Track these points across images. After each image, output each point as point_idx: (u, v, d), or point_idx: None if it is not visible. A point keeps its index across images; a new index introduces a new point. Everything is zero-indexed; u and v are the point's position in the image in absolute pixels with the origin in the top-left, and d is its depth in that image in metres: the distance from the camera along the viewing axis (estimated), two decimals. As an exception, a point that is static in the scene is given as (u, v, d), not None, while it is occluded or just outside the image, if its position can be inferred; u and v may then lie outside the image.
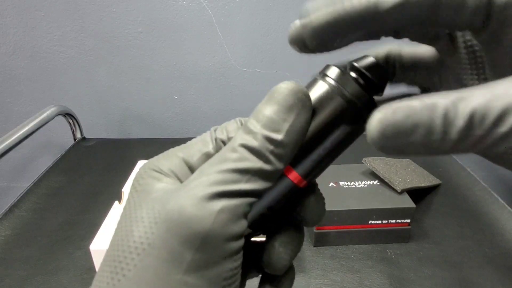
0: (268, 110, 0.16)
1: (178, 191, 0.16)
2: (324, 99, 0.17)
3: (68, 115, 0.86)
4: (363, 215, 0.54)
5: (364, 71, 0.17)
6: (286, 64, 0.94)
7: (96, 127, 0.99)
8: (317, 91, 0.18)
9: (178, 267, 0.15)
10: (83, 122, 0.91)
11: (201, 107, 0.98)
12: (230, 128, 0.19)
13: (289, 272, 0.20)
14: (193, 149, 0.19)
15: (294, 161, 0.18)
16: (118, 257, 0.15)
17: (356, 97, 0.17)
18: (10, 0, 0.83)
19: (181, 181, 0.18)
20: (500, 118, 0.13)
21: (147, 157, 0.75)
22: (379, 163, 0.62)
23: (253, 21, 0.89)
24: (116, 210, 0.52)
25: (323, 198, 0.20)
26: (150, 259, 0.15)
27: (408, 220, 0.55)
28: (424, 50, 0.20)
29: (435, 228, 0.60)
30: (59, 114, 0.82)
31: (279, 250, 0.19)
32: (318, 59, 0.84)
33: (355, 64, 0.18)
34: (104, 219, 0.50)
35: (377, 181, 0.60)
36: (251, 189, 0.16)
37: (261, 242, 0.19)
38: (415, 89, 0.22)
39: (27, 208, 0.64)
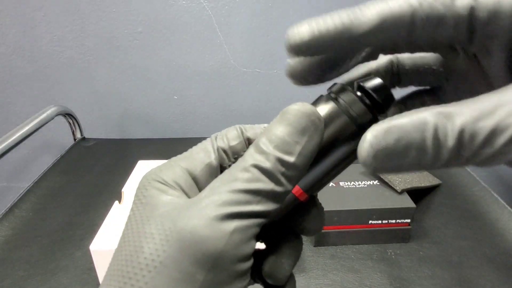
0: (280, 130, 0.16)
1: (189, 209, 0.16)
2: (330, 117, 0.18)
3: (68, 115, 0.86)
4: (363, 215, 0.54)
5: (370, 91, 0.18)
6: (286, 64, 0.93)
7: (96, 127, 0.99)
8: (324, 108, 0.18)
9: (190, 287, 0.15)
10: (83, 122, 0.91)
11: (201, 107, 0.98)
12: (230, 136, 0.19)
13: (291, 280, 0.20)
14: (195, 160, 0.19)
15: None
16: (128, 273, 0.15)
17: (361, 116, 0.17)
18: (10, 0, 0.83)
19: (186, 194, 0.18)
20: (489, 138, 0.13)
21: (147, 157, 0.75)
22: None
23: (253, 21, 0.89)
24: (116, 210, 0.52)
25: (323, 209, 0.20)
26: (161, 277, 0.15)
27: (408, 220, 0.55)
28: (426, 55, 0.20)
29: (435, 228, 0.60)
30: (59, 114, 0.82)
31: (281, 261, 0.19)
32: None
33: (362, 84, 0.18)
34: (104, 219, 0.50)
35: (377, 181, 0.60)
36: (262, 210, 0.16)
37: (258, 250, 0.20)
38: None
39: (27, 208, 0.64)
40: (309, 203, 0.20)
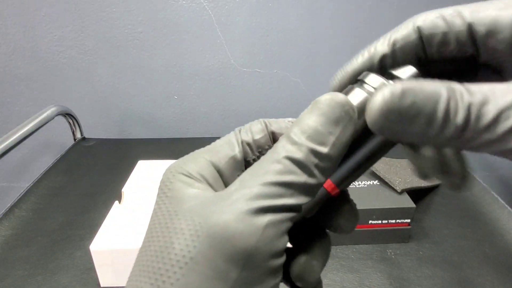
0: (313, 120, 0.16)
1: (219, 203, 0.15)
2: (363, 107, 0.17)
3: (68, 115, 0.86)
4: (363, 215, 0.54)
5: (403, 79, 0.17)
6: (286, 64, 0.94)
7: (96, 127, 0.99)
8: (356, 98, 0.17)
9: (223, 285, 0.14)
10: (83, 122, 0.91)
11: (201, 107, 0.98)
12: (255, 129, 0.19)
13: (318, 285, 0.19)
14: (220, 153, 0.18)
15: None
16: (159, 270, 0.15)
17: None
18: (10, 0, 0.83)
19: (212, 186, 0.17)
20: (491, 123, 0.13)
21: (147, 157, 0.75)
22: (379, 163, 0.62)
23: (253, 21, 0.89)
24: (116, 210, 0.52)
25: (355, 205, 0.20)
26: (193, 274, 0.14)
27: (408, 220, 0.55)
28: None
29: (435, 228, 0.60)
30: (59, 114, 0.82)
31: (312, 264, 0.18)
32: (318, 60, 0.84)
33: (395, 73, 0.17)
34: (104, 219, 0.50)
35: (377, 181, 0.60)
36: (295, 203, 0.15)
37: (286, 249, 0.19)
38: None
39: (27, 208, 0.64)
40: (340, 199, 0.19)
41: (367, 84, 0.17)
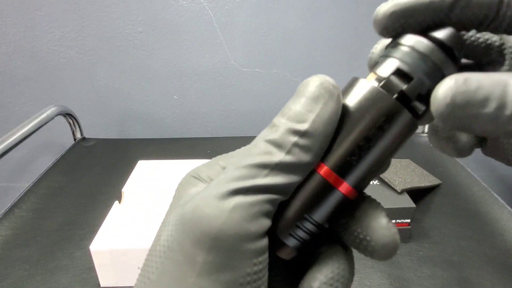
0: (293, 103, 0.16)
1: (199, 194, 0.15)
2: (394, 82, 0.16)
3: (68, 115, 0.86)
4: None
5: (446, 42, 0.15)
6: (286, 64, 0.94)
7: (96, 127, 0.99)
8: (387, 69, 0.16)
9: (192, 270, 0.14)
10: (83, 122, 0.91)
11: (201, 107, 0.98)
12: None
13: None
14: (234, 157, 0.18)
15: (341, 168, 0.16)
16: (147, 261, 0.16)
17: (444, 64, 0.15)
18: (10, 0, 0.83)
19: None
20: None
21: (147, 157, 0.75)
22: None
23: (253, 21, 0.89)
24: (116, 210, 0.52)
25: (383, 209, 0.17)
26: (168, 261, 0.15)
27: (408, 220, 0.55)
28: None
29: (435, 228, 0.60)
30: (59, 114, 0.82)
31: None
32: (318, 60, 0.84)
33: (435, 35, 0.16)
34: (104, 219, 0.50)
35: (377, 181, 0.60)
36: (271, 183, 0.15)
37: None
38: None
39: (27, 208, 0.64)
40: (366, 205, 0.17)
41: (404, 45, 0.16)
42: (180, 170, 0.62)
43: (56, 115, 0.81)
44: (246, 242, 0.14)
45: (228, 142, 0.83)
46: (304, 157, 0.15)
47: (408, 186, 0.59)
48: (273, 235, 0.16)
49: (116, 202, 0.54)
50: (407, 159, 0.71)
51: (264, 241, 0.15)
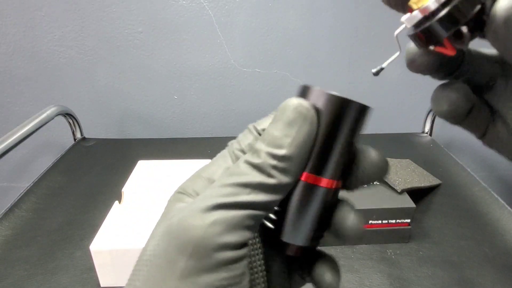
0: (271, 128, 0.17)
1: (186, 207, 0.17)
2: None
3: (68, 115, 0.86)
4: (363, 215, 0.54)
5: None
6: (286, 64, 0.94)
7: (96, 127, 0.99)
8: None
9: (173, 274, 0.16)
10: (83, 122, 0.91)
11: (201, 107, 0.98)
12: (245, 140, 0.20)
13: None
14: (214, 166, 0.19)
15: (316, 168, 0.18)
16: (134, 271, 0.17)
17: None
18: (10, 0, 0.83)
19: None
20: None
21: (147, 157, 0.75)
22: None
23: (253, 21, 0.89)
24: (116, 210, 0.52)
25: (352, 206, 0.20)
26: (153, 268, 0.16)
27: (408, 220, 0.55)
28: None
29: (435, 228, 0.60)
30: (59, 114, 0.82)
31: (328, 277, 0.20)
32: (318, 60, 0.84)
33: None
34: (104, 219, 0.50)
35: (377, 181, 0.60)
36: (252, 201, 0.16)
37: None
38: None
39: (27, 208, 0.64)
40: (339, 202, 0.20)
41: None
42: (180, 170, 0.62)
43: (56, 115, 0.81)
44: (224, 250, 0.16)
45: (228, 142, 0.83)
46: (283, 178, 0.17)
47: (408, 186, 0.59)
48: (278, 239, 0.19)
49: (116, 202, 0.54)
50: (407, 159, 0.71)
51: (243, 251, 0.17)
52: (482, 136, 0.21)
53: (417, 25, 0.17)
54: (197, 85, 0.95)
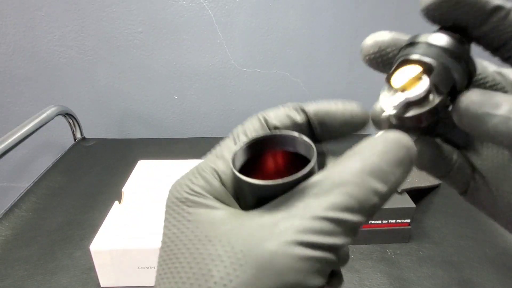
0: (378, 158, 0.15)
1: (263, 232, 0.14)
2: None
3: (68, 115, 0.86)
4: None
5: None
6: (286, 64, 0.94)
7: (96, 127, 0.99)
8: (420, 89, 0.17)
9: None
10: (83, 122, 0.92)
11: (201, 107, 0.98)
12: (254, 128, 0.18)
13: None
14: (222, 160, 0.17)
15: None
16: None
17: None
18: (10, 0, 0.83)
19: (225, 203, 0.17)
20: None
21: (147, 157, 0.75)
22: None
23: (253, 21, 0.89)
24: (116, 210, 0.52)
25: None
26: None
27: (408, 220, 0.55)
28: None
29: (435, 228, 0.60)
30: (59, 114, 0.82)
31: None
32: (318, 60, 0.84)
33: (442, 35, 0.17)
34: (104, 219, 0.50)
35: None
36: (340, 243, 0.14)
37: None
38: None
39: (27, 208, 0.64)
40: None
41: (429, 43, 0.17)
42: (180, 170, 0.62)
43: (56, 115, 0.81)
44: None
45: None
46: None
47: (408, 186, 0.59)
48: None
49: (116, 202, 0.54)
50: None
51: None
52: (463, 192, 0.21)
53: (404, 107, 0.17)
54: (197, 85, 0.95)
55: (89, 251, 0.46)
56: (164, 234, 0.17)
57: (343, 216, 0.14)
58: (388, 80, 0.18)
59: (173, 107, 0.98)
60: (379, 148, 0.15)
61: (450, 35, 0.17)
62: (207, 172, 0.17)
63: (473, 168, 0.21)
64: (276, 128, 0.18)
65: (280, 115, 0.19)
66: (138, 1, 0.85)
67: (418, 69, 0.17)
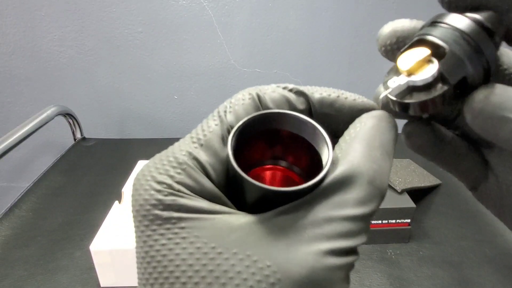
0: (380, 135, 0.15)
1: (290, 242, 0.12)
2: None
3: (68, 115, 0.86)
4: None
5: (487, 24, 0.15)
6: (286, 64, 0.94)
7: (96, 127, 0.99)
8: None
9: None
10: (83, 122, 0.91)
11: (201, 107, 0.98)
12: (245, 109, 0.16)
13: None
14: (211, 149, 0.14)
15: None
16: None
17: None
18: (10, 0, 0.83)
19: (216, 202, 0.14)
20: None
21: (147, 157, 0.75)
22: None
23: (253, 21, 0.89)
24: (116, 210, 0.52)
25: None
26: None
27: (408, 220, 0.55)
28: None
29: (435, 228, 0.60)
30: (59, 114, 0.82)
31: None
32: (318, 60, 0.84)
33: (477, 16, 0.15)
34: (104, 219, 0.50)
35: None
36: (365, 240, 0.13)
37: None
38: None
39: (27, 208, 0.64)
40: None
41: (447, 24, 0.15)
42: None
43: (56, 115, 0.81)
44: None
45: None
46: None
47: (408, 186, 0.59)
48: None
49: (116, 202, 0.54)
50: (407, 159, 0.71)
51: None
52: (473, 188, 0.20)
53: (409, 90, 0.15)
54: (197, 85, 0.95)
55: (89, 251, 0.46)
56: (149, 247, 0.13)
57: (369, 208, 0.13)
58: (396, 62, 0.16)
59: (173, 107, 0.98)
60: (379, 124, 0.15)
61: (475, 20, 0.14)
62: (191, 166, 0.14)
63: (486, 165, 0.19)
64: None
65: (277, 98, 0.17)
66: (138, 1, 0.85)
67: (427, 51, 0.15)
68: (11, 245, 0.56)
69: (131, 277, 0.48)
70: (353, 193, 0.13)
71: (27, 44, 0.87)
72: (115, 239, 0.46)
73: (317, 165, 0.15)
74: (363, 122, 0.15)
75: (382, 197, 0.14)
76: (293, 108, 0.16)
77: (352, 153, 0.14)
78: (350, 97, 0.17)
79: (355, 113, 0.17)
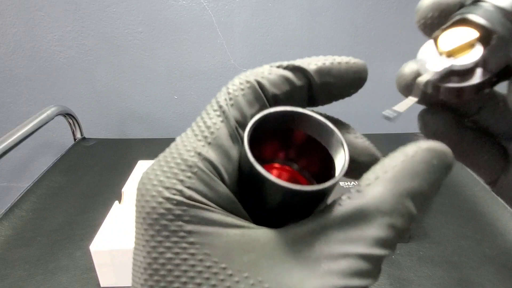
0: (418, 180, 0.13)
1: (303, 271, 0.12)
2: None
3: (68, 115, 0.86)
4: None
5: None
6: (286, 64, 0.94)
7: (96, 127, 0.99)
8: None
9: None
10: (83, 122, 0.91)
11: (201, 107, 0.97)
12: (248, 101, 0.14)
13: None
14: (220, 148, 0.14)
15: None
16: None
17: None
18: (10, 0, 0.83)
19: (229, 211, 0.13)
20: None
21: (147, 157, 0.75)
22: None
23: (253, 21, 0.89)
24: (116, 210, 0.52)
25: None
26: None
27: (408, 220, 0.55)
28: None
29: (435, 228, 0.60)
30: (59, 114, 0.82)
31: None
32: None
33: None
34: (104, 219, 0.50)
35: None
36: (376, 280, 0.13)
37: None
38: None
39: (27, 208, 0.64)
40: None
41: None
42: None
43: (56, 115, 0.81)
44: None
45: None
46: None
47: (408, 186, 0.59)
48: None
49: (116, 202, 0.54)
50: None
51: None
52: (491, 182, 0.19)
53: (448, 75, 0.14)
54: (197, 85, 0.95)
55: (89, 251, 0.46)
56: (153, 259, 0.12)
57: (386, 251, 0.12)
58: (435, 39, 0.15)
59: (173, 107, 0.98)
60: (418, 167, 0.13)
61: None
62: (202, 168, 0.13)
63: (507, 158, 0.18)
64: (275, 96, 0.15)
65: (276, 80, 0.16)
66: (138, 1, 0.85)
67: (474, 34, 0.14)
68: (11, 245, 0.56)
69: (131, 277, 0.48)
70: (372, 231, 0.12)
71: (27, 44, 0.87)
72: (115, 239, 0.46)
73: (328, 170, 0.14)
74: (410, 153, 0.13)
75: (398, 241, 0.13)
76: (293, 86, 0.15)
77: (383, 186, 0.13)
78: (341, 60, 0.16)
79: (351, 75, 0.16)
